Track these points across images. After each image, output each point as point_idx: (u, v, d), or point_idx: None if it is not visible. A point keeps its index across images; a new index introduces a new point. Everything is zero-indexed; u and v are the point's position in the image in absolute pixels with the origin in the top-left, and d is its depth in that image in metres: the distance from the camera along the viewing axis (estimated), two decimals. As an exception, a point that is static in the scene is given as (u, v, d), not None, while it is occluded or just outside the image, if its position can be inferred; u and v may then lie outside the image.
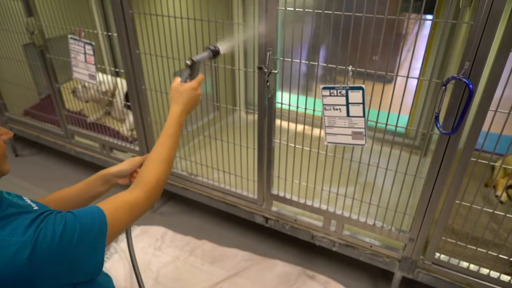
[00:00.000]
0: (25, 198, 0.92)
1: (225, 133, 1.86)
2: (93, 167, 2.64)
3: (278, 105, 1.55)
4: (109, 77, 2.34)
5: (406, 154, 1.40)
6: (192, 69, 1.08)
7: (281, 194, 1.74)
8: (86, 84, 2.29)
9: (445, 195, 1.33)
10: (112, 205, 0.85)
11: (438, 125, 1.19)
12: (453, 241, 1.41)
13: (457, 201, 1.31)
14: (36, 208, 0.87)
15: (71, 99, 2.35)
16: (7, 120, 2.76)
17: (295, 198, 1.70)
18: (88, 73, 1.94)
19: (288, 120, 1.58)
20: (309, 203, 1.67)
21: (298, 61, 1.36)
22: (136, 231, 2.12)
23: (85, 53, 1.89)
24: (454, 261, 1.45)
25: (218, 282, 1.81)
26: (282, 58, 1.40)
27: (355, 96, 1.28)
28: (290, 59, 1.38)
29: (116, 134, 2.32)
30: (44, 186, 2.52)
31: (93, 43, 1.84)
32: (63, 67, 2.23)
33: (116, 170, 1.12)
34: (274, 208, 1.82)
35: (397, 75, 1.22)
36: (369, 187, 1.49)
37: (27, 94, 2.58)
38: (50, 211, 0.75)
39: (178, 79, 1.09)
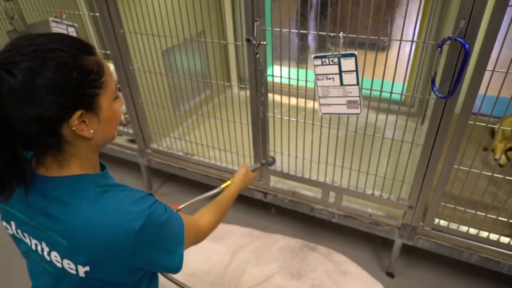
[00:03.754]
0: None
1: (220, 110, 1.83)
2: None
3: (273, 79, 1.50)
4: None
5: (403, 123, 1.37)
6: (261, 165, 1.61)
7: (278, 168, 1.72)
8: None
9: (443, 160, 1.31)
10: (187, 221, 0.86)
11: (434, 89, 1.16)
12: (452, 206, 1.40)
13: (455, 166, 1.29)
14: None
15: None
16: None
17: (292, 172, 1.68)
18: (74, 56, 1.88)
19: (281, 93, 1.54)
20: (306, 176, 1.65)
21: (288, 30, 1.31)
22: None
23: (68, 36, 1.82)
24: (453, 225, 1.45)
25: (221, 260, 1.82)
26: (270, 28, 1.35)
27: (348, 64, 1.24)
28: (279, 29, 1.32)
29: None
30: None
31: (75, 24, 1.78)
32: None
33: None
34: (272, 183, 1.81)
35: (390, 39, 1.18)
36: (367, 157, 1.47)
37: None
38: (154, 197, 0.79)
39: (247, 166, 1.41)
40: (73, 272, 0.70)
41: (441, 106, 1.21)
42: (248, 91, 1.55)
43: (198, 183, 2.07)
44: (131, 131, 2.10)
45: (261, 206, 2.13)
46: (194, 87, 1.80)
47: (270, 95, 1.55)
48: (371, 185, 1.54)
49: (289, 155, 1.65)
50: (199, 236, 0.94)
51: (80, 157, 0.72)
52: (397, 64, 1.20)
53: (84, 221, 0.67)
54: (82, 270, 0.69)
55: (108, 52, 1.83)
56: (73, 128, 0.66)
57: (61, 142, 0.68)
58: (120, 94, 0.79)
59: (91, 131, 0.69)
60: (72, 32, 1.80)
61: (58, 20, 1.80)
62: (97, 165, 0.77)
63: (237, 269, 1.77)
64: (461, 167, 1.28)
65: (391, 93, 1.27)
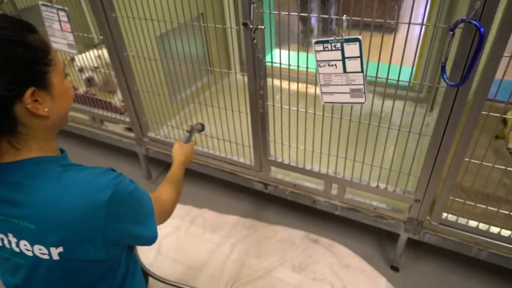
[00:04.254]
0: None
1: (220, 98, 1.75)
2: (84, 140, 2.57)
3: (272, 65, 1.41)
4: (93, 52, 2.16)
5: (410, 109, 1.28)
6: (190, 134, 1.40)
7: (279, 159, 1.65)
8: (88, 65, 2.11)
9: (453, 152, 1.23)
10: (152, 194, 0.87)
11: (445, 76, 1.06)
12: (462, 200, 1.32)
13: (466, 159, 1.21)
14: None
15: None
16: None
17: (293, 163, 1.61)
18: (66, 42, 1.80)
19: (280, 78, 1.45)
20: (308, 167, 1.58)
21: (287, 13, 1.21)
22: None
23: (59, 21, 1.75)
24: (462, 220, 1.37)
25: (220, 250, 1.78)
26: (269, 11, 1.26)
27: (352, 49, 1.14)
28: (277, 12, 1.23)
29: (108, 106, 2.22)
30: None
31: (66, 8, 1.69)
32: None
33: None
34: (272, 174, 1.74)
35: (397, 22, 1.08)
36: (371, 147, 1.39)
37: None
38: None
39: (178, 142, 1.35)
40: (46, 257, 0.68)
41: (452, 95, 1.12)
42: (245, 77, 1.47)
43: (197, 173, 2.02)
44: (127, 119, 2.03)
45: (262, 197, 2.07)
46: (190, 74, 1.72)
47: (269, 79, 1.47)
48: (376, 177, 1.47)
49: (289, 145, 1.58)
50: (164, 211, 0.95)
51: (36, 140, 0.71)
52: (405, 47, 1.11)
53: (50, 200, 0.66)
54: (55, 252, 0.68)
55: (101, 37, 1.75)
56: (28, 107, 0.65)
57: (16, 124, 0.66)
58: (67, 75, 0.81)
59: (46, 109, 0.69)
60: (63, 16, 1.72)
61: (48, 4, 1.72)
62: (56, 148, 0.77)
63: (236, 261, 1.73)
64: (472, 160, 1.20)
65: (398, 80, 1.19)
